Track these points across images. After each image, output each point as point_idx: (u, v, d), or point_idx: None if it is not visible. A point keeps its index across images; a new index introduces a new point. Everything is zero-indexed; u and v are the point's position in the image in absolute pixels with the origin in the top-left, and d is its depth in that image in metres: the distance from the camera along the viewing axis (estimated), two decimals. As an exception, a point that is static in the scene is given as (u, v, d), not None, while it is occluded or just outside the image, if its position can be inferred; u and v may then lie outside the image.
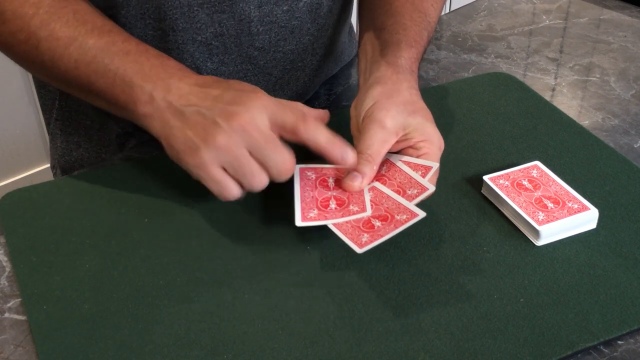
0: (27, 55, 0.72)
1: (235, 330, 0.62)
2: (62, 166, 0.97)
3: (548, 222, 0.70)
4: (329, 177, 0.72)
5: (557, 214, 0.71)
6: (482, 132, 0.86)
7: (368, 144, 0.70)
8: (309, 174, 0.72)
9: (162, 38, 0.80)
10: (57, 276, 0.67)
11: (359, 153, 0.70)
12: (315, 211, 0.68)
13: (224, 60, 0.83)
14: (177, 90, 0.67)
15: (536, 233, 0.70)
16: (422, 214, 0.65)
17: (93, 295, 0.65)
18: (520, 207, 0.72)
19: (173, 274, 0.67)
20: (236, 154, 0.64)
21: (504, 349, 0.60)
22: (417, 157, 0.71)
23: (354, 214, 0.67)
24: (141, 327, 0.63)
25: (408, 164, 0.71)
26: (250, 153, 0.64)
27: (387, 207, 0.67)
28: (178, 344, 0.61)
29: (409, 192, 0.68)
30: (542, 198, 0.73)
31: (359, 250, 0.63)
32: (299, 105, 0.68)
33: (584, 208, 0.71)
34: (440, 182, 0.78)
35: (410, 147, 0.72)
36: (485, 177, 0.76)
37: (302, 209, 0.67)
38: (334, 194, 0.70)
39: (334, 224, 0.66)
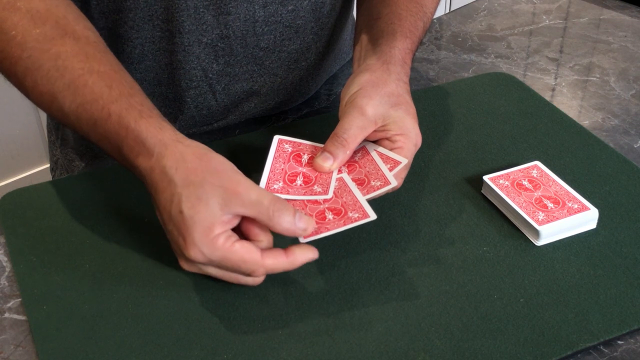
0: (25, 95, 0.71)
1: (235, 330, 0.62)
2: (70, 171, 0.96)
3: (548, 222, 0.70)
4: (304, 154, 0.72)
5: (557, 214, 0.71)
6: (482, 132, 0.86)
7: (345, 128, 0.70)
8: (286, 146, 0.72)
9: (169, 40, 0.80)
10: (57, 276, 0.67)
11: (335, 136, 0.70)
12: (280, 184, 0.68)
13: (230, 62, 0.84)
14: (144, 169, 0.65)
15: (536, 233, 0.70)
16: (373, 217, 0.65)
17: (93, 295, 0.65)
18: (520, 207, 0.72)
19: (173, 274, 0.67)
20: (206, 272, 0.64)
21: (504, 349, 0.60)
22: (391, 149, 0.71)
23: (316, 194, 0.68)
24: (141, 327, 0.63)
25: (380, 154, 0.71)
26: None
27: (345, 202, 0.68)
28: (178, 344, 0.61)
29: (373, 183, 0.69)
30: (542, 198, 0.73)
31: (302, 240, 0.63)
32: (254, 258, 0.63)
33: (584, 208, 0.71)
34: (440, 182, 0.78)
35: (387, 138, 0.72)
36: (485, 177, 0.76)
37: (269, 179, 0.68)
38: (304, 170, 0.70)
39: (292, 203, 0.66)
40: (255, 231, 0.63)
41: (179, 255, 0.63)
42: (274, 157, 0.70)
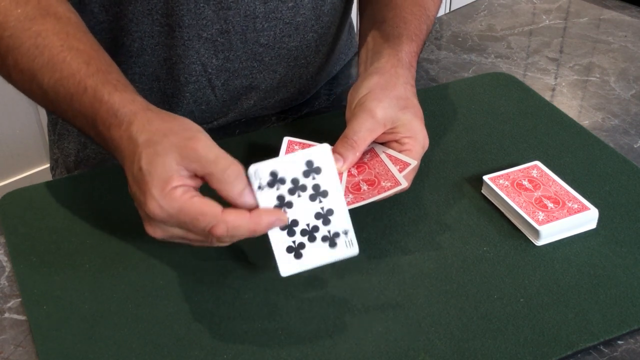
0: (7, 79, 0.73)
1: (235, 330, 0.62)
2: (68, 167, 0.97)
3: (548, 222, 0.70)
4: None
5: (557, 214, 0.71)
6: (482, 132, 0.86)
7: (355, 130, 0.71)
8: (295, 147, 0.73)
9: (169, 34, 0.80)
10: (57, 276, 0.67)
11: (345, 137, 0.71)
12: None
13: (229, 57, 0.84)
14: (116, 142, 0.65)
15: (536, 233, 0.70)
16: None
17: (93, 295, 0.65)
18: (520, 207, 0.72)
19: (173, 274, 0.67)
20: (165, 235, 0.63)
21: (504, 349, 0.60)
22: (400, 151, 0.72)
23: None
24: (141, 327, 0.62)
25: (389, 156, 0.72)
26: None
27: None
28: (178, 344, 0.61)
29: (383, 184, 0.69)
30: (542, 198, 0.73)
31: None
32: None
33: (584, 208, 0.71)
34: (440, 182, 0.78)
35: (396, 141, 0.73)
36: (485, 177, 0.76)
37: None
38: None
39: None
40: None
41: (144, 218, 0.62)
42: None
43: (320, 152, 0.61)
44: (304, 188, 0.62)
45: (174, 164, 0.59)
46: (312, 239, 0.61)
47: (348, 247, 0.61)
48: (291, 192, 0.62)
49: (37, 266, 0.68)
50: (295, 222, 0.62)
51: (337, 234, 0.62)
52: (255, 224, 0.59)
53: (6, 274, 0.69)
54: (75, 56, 0.67)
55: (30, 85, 0.69)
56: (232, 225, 0.59)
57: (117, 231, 0.72)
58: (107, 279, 0.67)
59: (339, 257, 0.61)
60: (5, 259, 0.71)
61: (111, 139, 0.64)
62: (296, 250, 0.61)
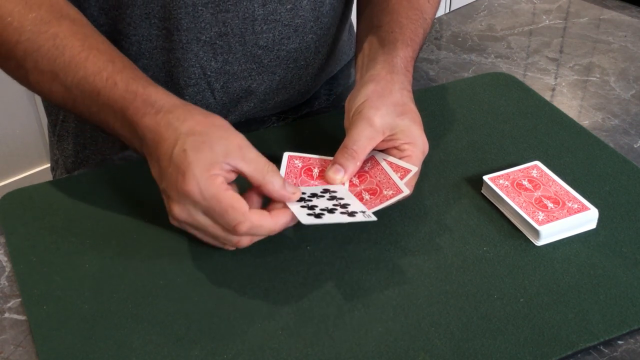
0: (23, 82, 0.74)
1: (235, 330, 0.62)
2: (68, 168, 0.97)
3: (548, 222, 0.70)
4: (314, 167, 0.74)
5: (557, 214, 0.71)
6: (482, 132, 0.86)
7: (354, 139, 0.71)
8: (296, 162, 0.74)
9: (167, 37, 0.80)
10: (57, 276, 0.67)
11: (344, 147, 0.71)
12: None
13: (228, 60, 0.84)
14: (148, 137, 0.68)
15: (536, 233, 0.70)
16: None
17: (93, 295, 0.65)
18: (520, 207, 0.72)
19: (173, 274, 0.67)
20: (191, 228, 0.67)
21: (504, 349, 0.60)
22: (400, 158, 0.73)
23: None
24: (141, 327, 0.63)
25: (390, 164, 0.72)
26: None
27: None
28: (178, 344, 0.61)
29: (385, 193, 0.70)
30: (542, 198, 0.73)
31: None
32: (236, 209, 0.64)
33: (584, 208, 0.71)
34: (440, 182, 0.78)
35: (395, 147, 0.73)
36: (485, 177, 0.76)
37: None
38: (316, 184, 0.72)
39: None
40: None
41: (172, 199, 0.65)
42: (286, 173, 0.72)
43: (336, 186, 0.70)
44: (322, 196, 0.68)
45: (220, 156, 0.64)
46: (331, 212, 0.66)
47: (367, 218, 0.65)
48: (310, 198, 0.68)
49: (37, 266, 0.68)
50: (315, 206, 0.66)
51: (355, 212, 0.66)
52: (275, 224, 0.65)
53: (6, 274, 0.69)
54: (97, 55, 0.69)
55: (50, 85, 0.70)
56: (255, 224, 0.64)
57: (117, 231, 0.72)
58: (107, 279, 0.67)
59: (358, 220, 0.65)
60: (5, 259, 0.71)
61: (144, 125, 0.67)
62: (316, 216, 0.65)
